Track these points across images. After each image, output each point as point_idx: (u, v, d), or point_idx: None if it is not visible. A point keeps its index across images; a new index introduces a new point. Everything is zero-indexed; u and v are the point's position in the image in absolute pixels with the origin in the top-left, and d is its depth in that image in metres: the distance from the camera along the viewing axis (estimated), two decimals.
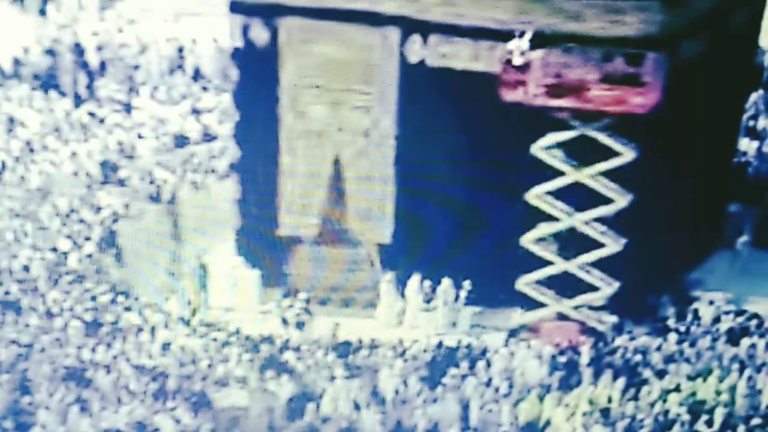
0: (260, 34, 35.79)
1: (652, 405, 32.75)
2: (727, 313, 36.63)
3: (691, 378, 33.85)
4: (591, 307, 36.63)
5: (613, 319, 36.45)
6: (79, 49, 49.83)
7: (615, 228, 35.79)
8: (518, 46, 33.84)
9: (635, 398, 33.11)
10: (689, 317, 36.60)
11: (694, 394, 33.15)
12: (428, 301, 37.23)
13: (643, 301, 37.17)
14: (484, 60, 34.73)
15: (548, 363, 34.35)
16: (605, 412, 32.57)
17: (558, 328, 36.46)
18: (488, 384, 33.62)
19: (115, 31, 52.72)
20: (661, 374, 34.09)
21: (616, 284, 36.20)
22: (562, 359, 34.59)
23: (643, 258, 35.95)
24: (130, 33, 52.46)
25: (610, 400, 33.01)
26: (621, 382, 33.46)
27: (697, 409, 32.62)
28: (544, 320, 36.66)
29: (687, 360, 34.72)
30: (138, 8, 55.03)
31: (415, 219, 36.52)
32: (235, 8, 35.75)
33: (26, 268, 37.95)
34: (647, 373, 34.16)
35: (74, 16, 54.22)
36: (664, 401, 32.81)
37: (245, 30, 35.73)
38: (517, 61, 33.86)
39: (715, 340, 35.44)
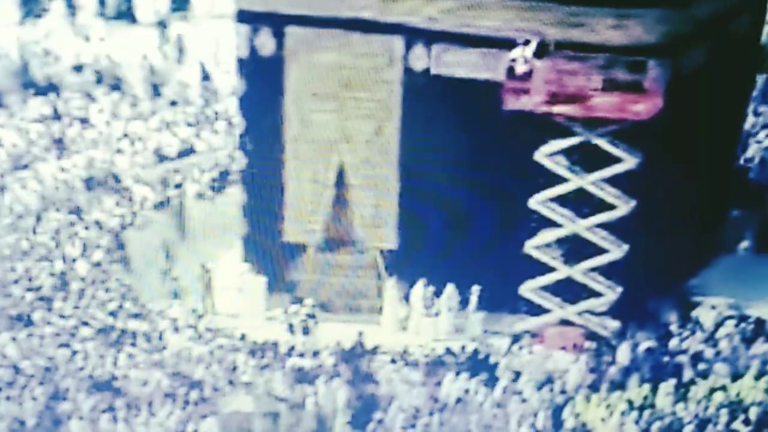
0: (266, 44, 36.09)
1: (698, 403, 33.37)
2: (728, 317, 36.96)
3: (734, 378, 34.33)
4: (594, 313, 36.86)
5: (616, 324, 36.66)
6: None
7: (617, 234, 36.03)
8: (522, 54, 34.12)
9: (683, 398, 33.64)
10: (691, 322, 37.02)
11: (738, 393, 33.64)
12: (431, 307, 37.46)
13: (646, 306, 37.36)
14: (487, 68, 35.02)
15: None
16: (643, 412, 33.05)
17: (561, 334, 36.70)
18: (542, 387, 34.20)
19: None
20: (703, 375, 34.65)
21: (619, 290, 36.47)
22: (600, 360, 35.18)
23: (646, 264, 36.19)
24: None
25: (646, 399, 33.51)
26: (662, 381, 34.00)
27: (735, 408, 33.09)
28: (548, 326, 36.89)
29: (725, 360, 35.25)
30: None
31: (420, 225, 36.71)
32: (241, 18, 36.04)
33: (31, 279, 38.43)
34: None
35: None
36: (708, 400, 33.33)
37: (251, 39, 36.05)
38: (521, 69, 34.14)
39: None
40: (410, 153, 36.30)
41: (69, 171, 44.27)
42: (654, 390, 33.67)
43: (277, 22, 35.70)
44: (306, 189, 37.20)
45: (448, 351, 35.82)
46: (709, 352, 35.35)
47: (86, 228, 40.96)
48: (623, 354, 35.19)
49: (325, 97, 36.26)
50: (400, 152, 36.43)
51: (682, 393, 33.55)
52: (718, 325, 36.38)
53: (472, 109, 35.21)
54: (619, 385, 34.14)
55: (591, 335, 36.56)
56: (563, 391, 33.94)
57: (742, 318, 36.93)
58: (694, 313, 37.26)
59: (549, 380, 34.27)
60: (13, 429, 32.35)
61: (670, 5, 34.72)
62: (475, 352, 35.86)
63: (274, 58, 36.05)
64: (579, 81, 34.17)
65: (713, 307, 37.31)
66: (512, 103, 34.34)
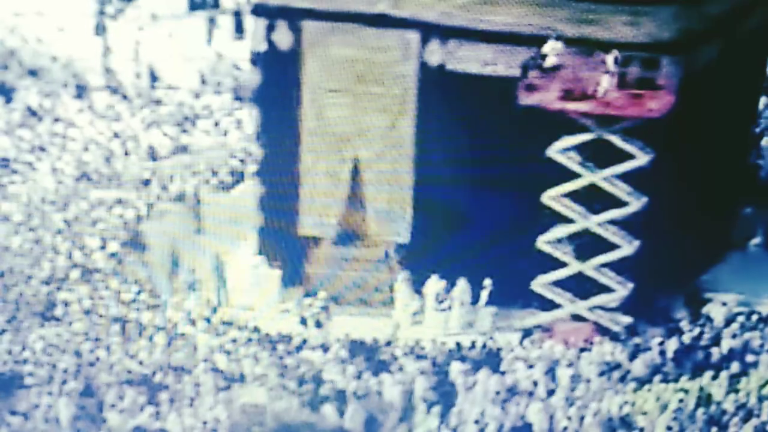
0: (282, 37, 36.28)
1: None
2: (739, 314, 37.13)
3: None
4: (605, 308, 37.05)
5: (628, 320, 36.84)
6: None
7: (629, 230, 36.18)
8: (553, 48, 34.16)
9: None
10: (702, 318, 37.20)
11: None
12: (443, 302, 37.65)
13: (657, 302, 37.54)
14: (502, 64, 35.22)
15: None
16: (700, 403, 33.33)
17: (573, 329, 36.87)
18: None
19: None
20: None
21: (630, 286, 36.62)
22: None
23: (657, 260, 36.33)
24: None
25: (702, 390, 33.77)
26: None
27: None
28: (559, 321, 37.08)
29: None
30: None
31: (433, 220, 36.95)
32: (257, 11, 36.24)
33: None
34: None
35: None
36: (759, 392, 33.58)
37: (267, 33, 36.24)
38: (551, 61, 34.20)
39: None
40: (424, 147, 36.50)
41: (64, 171, 44.83)
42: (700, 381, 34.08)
43: (293, 16, 35.93)
44: (321, 183, 37.39)
45: (458, 345, 36.04)
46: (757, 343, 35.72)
47: (95, 222, 41.38)
48: (670, 345, 35.49)
49: (341, 92, 36.44)
50: (414, 147, 36.62)
51: (732, 384, 33.86)
52: (730, 320, 36.71)
53: (486, 104, 35.34)
54: (667, 377, 34.47)
55: (602, 331, 36.73)
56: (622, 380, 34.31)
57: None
58: (704, 310, 37.41)
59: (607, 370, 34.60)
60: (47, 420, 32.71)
61: (684, 2, 34.90)
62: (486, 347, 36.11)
63: (290, 52, 36.27)
64: (593, 77, 34.31)
65: (724, 304, 37.47)
66: (526, 99, 34.49)
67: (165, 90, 51.32)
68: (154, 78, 51.48)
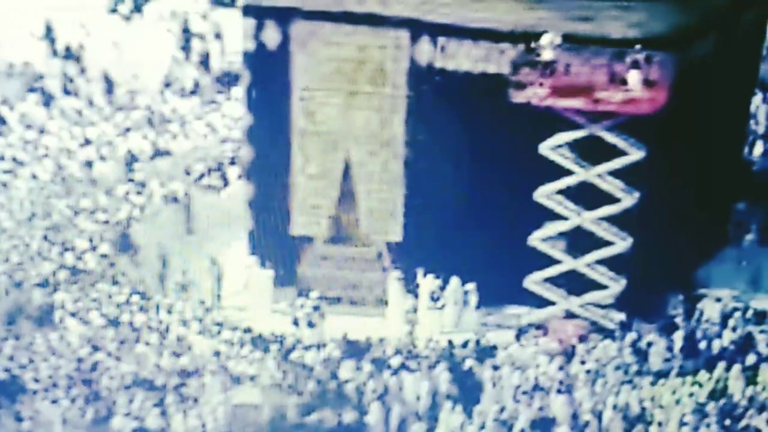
0: (272, 37, 36.16)
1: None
2: (734, 309, 37.11)
3: None
4: (599, 305, 36.99)
5: (621, 316, 36.78)
6: None
7: (622, 226, 36.13)
8: (551, 40, 33.93)
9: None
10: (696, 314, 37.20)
11: None
12: (437, 300, 37.55)
13: (651, 298, 37.48)
14: (493, 61, 35.08)
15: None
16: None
17: (566, 326, 36.80)
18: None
19: None
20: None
21: (624, 282, 36.58)
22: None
23: (651, 256, 36.28)
24: None
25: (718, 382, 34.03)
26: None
27: None
28: (553, 318, 37.01)
29: None
30: None
31: (425, 218, 36.85)
32: (247, 11, 36.11)
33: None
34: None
35: None
36: None
37: (257, 33, 36.11)
38: (548, 55, 34.06)
39: None
40: (416, 146, 36.40)
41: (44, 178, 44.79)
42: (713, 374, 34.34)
43: (283, 16, 35.81)
44: (312, 182, 37.28)
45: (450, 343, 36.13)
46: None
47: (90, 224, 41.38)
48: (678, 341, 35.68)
49: (331, 91, 36.32)
50: (406, 145, 36.51)
51: (749, 377, 34.16)
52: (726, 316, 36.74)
53: (478, 102, 35.28)
54: (686, 371, 34.77)
55: (596, 327, 36.69)
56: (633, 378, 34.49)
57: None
58: (699, 305, 37.34)
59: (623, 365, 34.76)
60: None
61: None
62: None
63: (280, 52, 36.14)
64: (585, 74, 34.21)
65: (718, 300, 37.40)
66: (518, 96, 34.39)
67: (138, 94, 51.07)
68: (109, 83, 51.35)
